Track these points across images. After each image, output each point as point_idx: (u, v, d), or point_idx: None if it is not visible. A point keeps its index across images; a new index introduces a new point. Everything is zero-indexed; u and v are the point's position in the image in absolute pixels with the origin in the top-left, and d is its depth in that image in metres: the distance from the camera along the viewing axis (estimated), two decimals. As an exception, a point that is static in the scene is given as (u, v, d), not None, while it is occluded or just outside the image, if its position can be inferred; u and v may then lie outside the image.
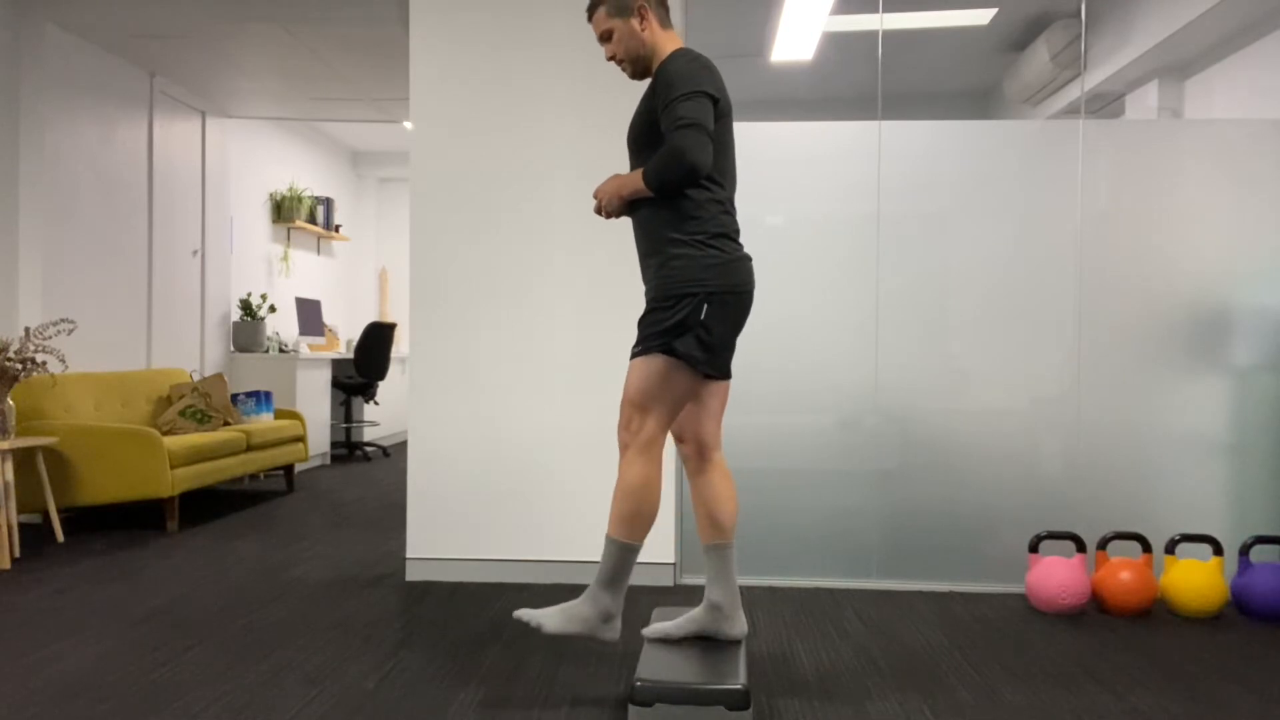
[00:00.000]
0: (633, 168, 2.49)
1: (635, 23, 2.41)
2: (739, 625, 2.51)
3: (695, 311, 2.30)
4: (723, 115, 2.37)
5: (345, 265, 8.99)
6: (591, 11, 2.47)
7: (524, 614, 2.36)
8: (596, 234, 3.67)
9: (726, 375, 2.44)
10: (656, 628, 2.52)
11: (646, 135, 2.40)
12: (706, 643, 2.47)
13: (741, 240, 2.41)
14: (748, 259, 2.40)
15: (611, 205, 2.40)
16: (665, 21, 2.46)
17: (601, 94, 3.66)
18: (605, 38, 2.46)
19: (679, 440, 2.55)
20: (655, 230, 2.37)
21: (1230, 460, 3.63)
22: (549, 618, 2.34)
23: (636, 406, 2.35)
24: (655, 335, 2.33)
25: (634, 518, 2.31)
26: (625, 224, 3.67)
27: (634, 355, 2.38)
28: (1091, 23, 5.50)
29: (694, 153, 2.18)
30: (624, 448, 2.38)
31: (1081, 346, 3.67)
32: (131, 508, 5.29)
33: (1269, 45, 4.43)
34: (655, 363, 2.33)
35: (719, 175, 2.38)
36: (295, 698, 2.44)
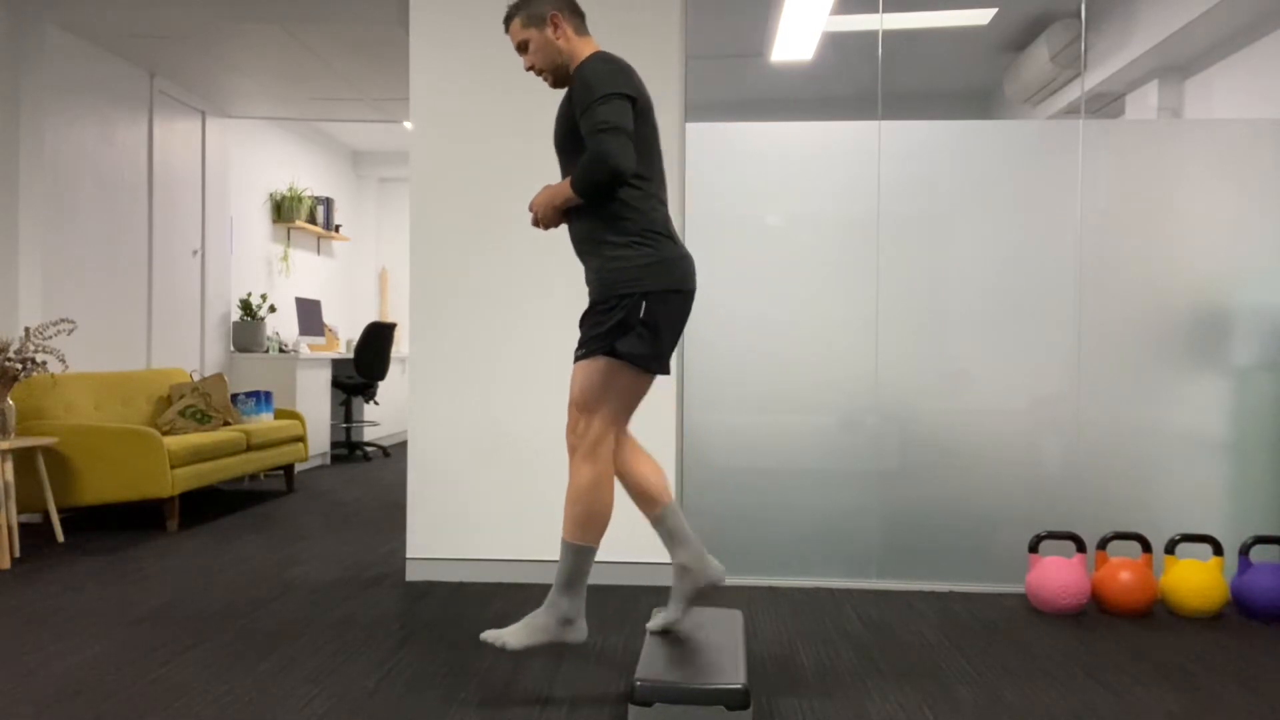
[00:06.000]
0: (562, 173, 2.53)
1: (550, 31, 2.44)
2: (714, 569, 2.56)
3: (635, 310, 2.33)
4: (643, 113, 2.39)
5: (345, 265, 8.99)
6: (507, 23, 2.50)
7: (488, 636, 2.37)
8: (596, 234, 3.67)
9: (667, 371, 2.46)
10: (657, 620, 2.60)
11: (569, 140, 2.43)
12: (706, 642, 2.48)
13: (676, 236, 2.45)
14: (687, 257, 2.42)
15: (547, 216, 2.42)
16: (580, 29, 2.49)
17: (601, 94, 3.66)
18: (522, 48, 2.48)
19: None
20: (591, 233, 2.40)
21: (1230, 460, 3.63)
22: (512, 635, 2.36)
23: (582, 408, 2.38)
24: (597, 337, 2.36)
25: (586, 520, 2.34)
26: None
27: (577, 358, 2.40)
28: (1091, 23, 5.50)
29: (616, 156, 2.21)
30: (571, 450, 2.41)
31: (1081, 346, 3.67)
32: (131, 508, 5.29)
33: (1269, 45, 4.43)
34: (598, 364, 2.36)
35: (646, 172, 2.41)
36: (295, 698, 2.44)
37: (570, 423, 2.41)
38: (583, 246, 2.45)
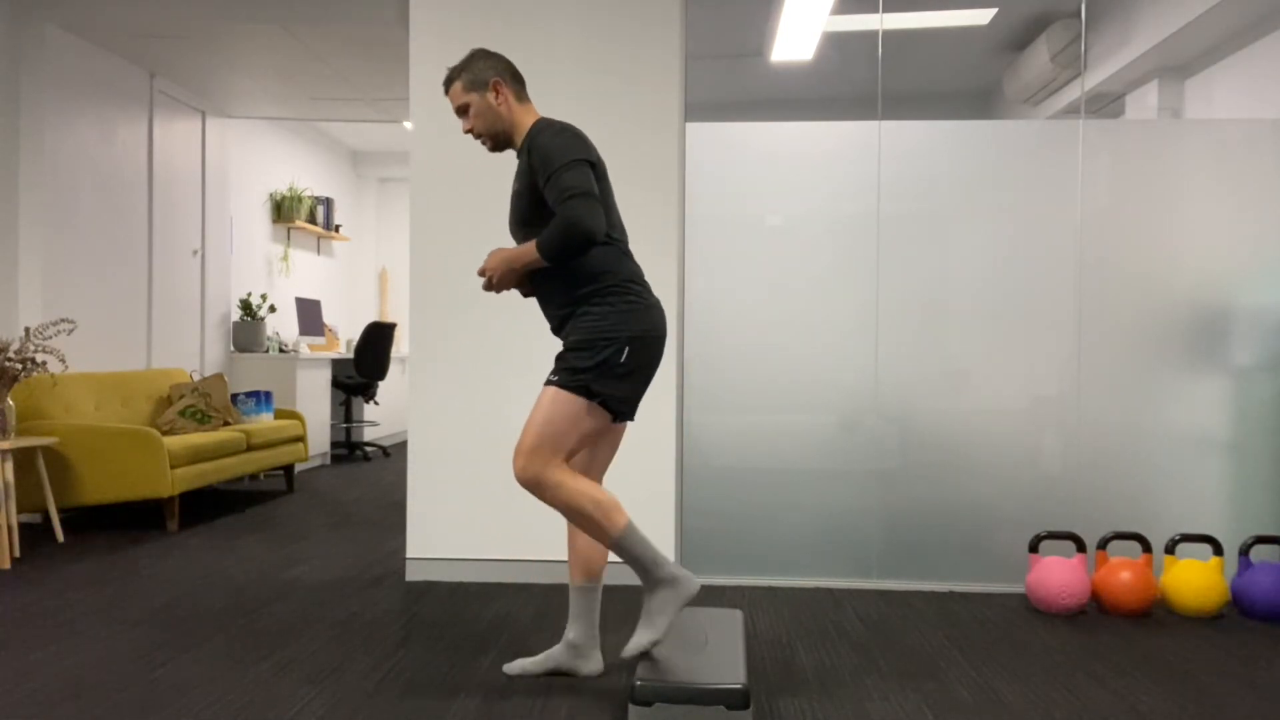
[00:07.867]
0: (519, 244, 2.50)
1: (491, 97, 2.45)
2: (594, 663, 2.61)
3: (617, 354, 2.34)
4: (601, 176, 2.43)
5: (345, 265, 8.99)
6: (448, 85, 2.50)
7: (630, 647, 2.35)
8: (596, 234, 3.67)
9: (633, 418, 2.47)
10: (518, 664, 2.63)
11: (533, 212, 2.42)
12: (706, 643, 2.47)
13: (648, 285, 2.50)
14: (657, 305, 2.45)
15: (505, 280, 2.39)
16: (521, 95, 2.50)
17: (600, 94, 3.66)
18: (462, 111, 2.49)
19: None
20: (566, 290, 2.40)
21: (1230, 460, 3.63)
22: (642, 636, 2.33)
23: (540, 444, 2.33)
24: (574, 372, 2.34)
25: (595, 519, 2.31)
26: (632, 213, 3.67)
27: (548, 382, 2.37)
28: (1091, 23, 5.50)
29: (587, 220, 2.23)
30: (531, 484, 2.34)
31: (1081, 346, 3.67)
32: (131, 508, 5.29)
33: (1269, 45, 4.43)
34: (570, 402, 2.34)
35: (613, 229, 2.44)
36: (295, 698, 2.44)
37: (526, 450, 2.32)
38: (558, 300, 2.43)
